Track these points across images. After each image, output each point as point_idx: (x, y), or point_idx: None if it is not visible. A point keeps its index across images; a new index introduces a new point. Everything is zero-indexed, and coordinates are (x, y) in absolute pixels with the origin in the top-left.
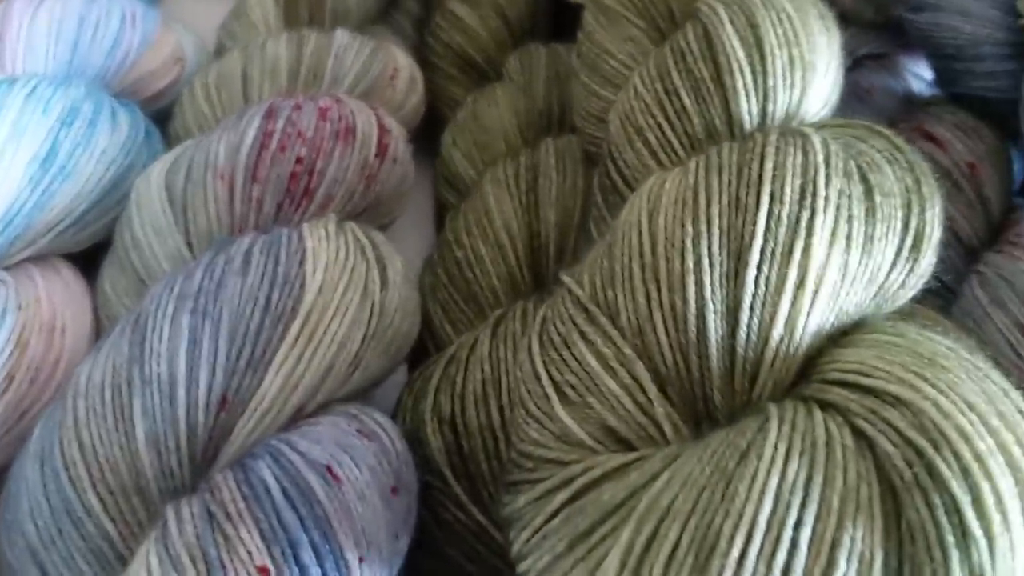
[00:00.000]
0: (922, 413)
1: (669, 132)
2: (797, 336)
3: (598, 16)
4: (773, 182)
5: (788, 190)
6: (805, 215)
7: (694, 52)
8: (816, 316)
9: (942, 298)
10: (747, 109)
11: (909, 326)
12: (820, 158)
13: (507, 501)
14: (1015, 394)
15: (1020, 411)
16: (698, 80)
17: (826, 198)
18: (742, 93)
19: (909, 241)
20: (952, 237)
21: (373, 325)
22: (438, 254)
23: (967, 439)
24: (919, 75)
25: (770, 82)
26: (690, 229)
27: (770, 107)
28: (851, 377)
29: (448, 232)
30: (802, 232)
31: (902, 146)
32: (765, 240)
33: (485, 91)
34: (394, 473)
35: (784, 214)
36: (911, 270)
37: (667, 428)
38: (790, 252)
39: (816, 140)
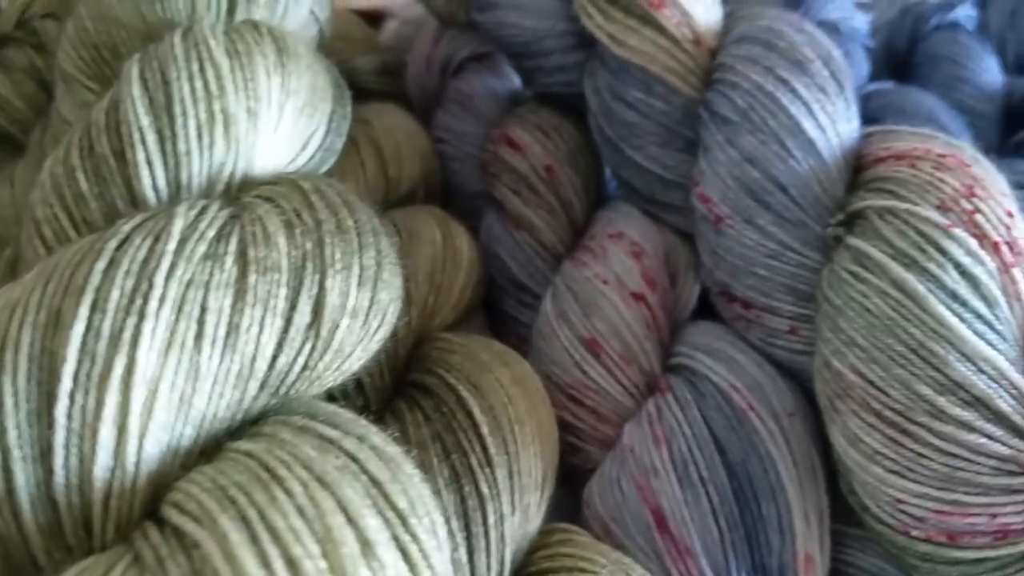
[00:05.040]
0: (205, 560)
1: (66, 223)
2: (130, 466)
3: (60, 82)
4: (99, 288)
5: (115, 295)
6: (131, 322)
7: (99, 123)
8: (157, 437)
9: None
10: (151, 184)
11: (290, 420)
12: (171, 246)
13: None
14: (400, 484)
15: (381, 512)
16: (99, 157)
17: (162, 298)
18: (144, 166)
19: (303, 318)
20: (539, 247)
21: None
22: None
23: None
24: None
25: (181, 147)
26: None
27: (184, 176)
28: (170, 513)
29: None
30: (125, 345)
31: (316, 203)
32: (80, 363)
33: (3, 171)
34: None
35: (105, 326)
36: (315, 347)
37: None
38: (108, 372)
39: (176, 224)
